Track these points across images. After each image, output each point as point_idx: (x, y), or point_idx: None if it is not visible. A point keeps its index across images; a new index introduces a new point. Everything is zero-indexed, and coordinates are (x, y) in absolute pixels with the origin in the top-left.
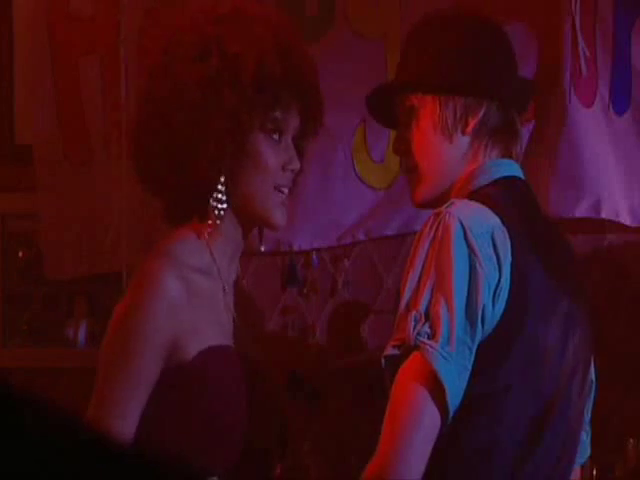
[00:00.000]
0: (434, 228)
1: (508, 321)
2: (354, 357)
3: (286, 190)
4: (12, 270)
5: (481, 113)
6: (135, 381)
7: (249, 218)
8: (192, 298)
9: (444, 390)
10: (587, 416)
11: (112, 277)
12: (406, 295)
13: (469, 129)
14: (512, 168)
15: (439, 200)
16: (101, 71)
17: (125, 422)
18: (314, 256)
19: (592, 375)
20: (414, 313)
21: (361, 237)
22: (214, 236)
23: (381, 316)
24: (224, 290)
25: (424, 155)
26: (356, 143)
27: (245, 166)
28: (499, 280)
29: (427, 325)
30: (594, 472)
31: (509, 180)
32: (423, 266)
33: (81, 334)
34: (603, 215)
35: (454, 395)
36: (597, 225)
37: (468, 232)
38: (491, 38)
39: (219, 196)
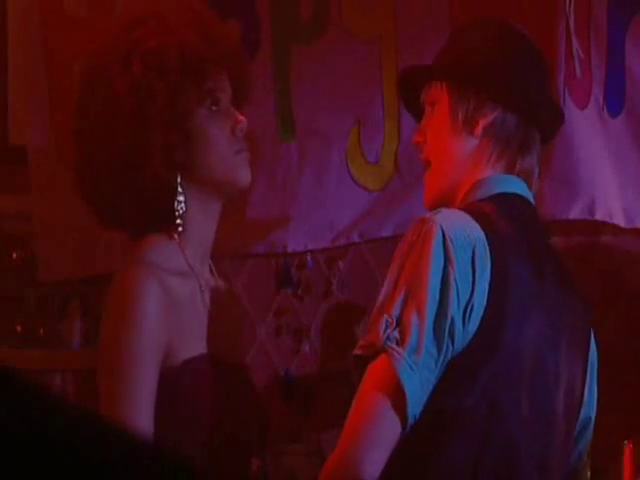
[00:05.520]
0: (416, 233)
1: (481, 341)
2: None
3: (245, 149)
4: (5, 271)
5: (492, 117)
6: (143, 395)
7: (216, 198)
8: (174, 302)
9: (405, 399)
10: (584, 449)
11: (106, 279)
12: (381, 298)
13: (478, 131)
14: (513, 185)
15: (445, 203)
16: None
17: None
18: (308, 257)
19: (590, 411)
20: (386, 317)
21: (355, 239)
22: (183, 234)
23: None
24: (201, 288)
25: (436, 151)
26: (350, 144)
27: (197, 149)
28: (470, 297)
29: (397, 331)
30: (588, 473)
31: (507, 196)
32: (400, 270)
33: (75, 336)
34: (597, 217)
35: (414, 405)
36: (591, 227)
37: (448, 242)
38: (526, 56)
39: (180, 198)
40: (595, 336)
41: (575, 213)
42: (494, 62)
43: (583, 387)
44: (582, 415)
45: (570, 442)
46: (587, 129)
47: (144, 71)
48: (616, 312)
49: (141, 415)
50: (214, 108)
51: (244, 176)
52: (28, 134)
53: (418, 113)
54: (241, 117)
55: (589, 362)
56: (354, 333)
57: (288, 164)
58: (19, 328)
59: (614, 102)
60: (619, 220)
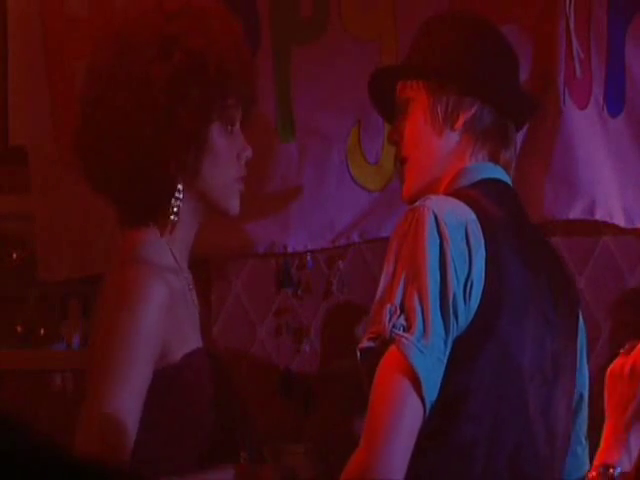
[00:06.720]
0: (408, 222)
1: (481, 319)
2: (349, 359)
3: (242, 180)
4: (5, 271)
5: (472, 111)
6: (134, 388)
7: (205, 210)
8: (173, 299)
9: (420, 383)
10: (582, 430)
11: None
12: (380, 290)
13: (459, 125)
14: (495, 171)
15: (425, 195)
16: None
17: (127, 435)
18: (308, 257)
19: (582, 389)
20: (389, 306)
21: (355, 239)
22: (171, 234)
23: None
24: (189, 286)
25: (414, 147)
26: (350, 145)
27: (205, 160)
28: (469, 274)
29: (402, 317)
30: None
31: (491, 182)
32: (397, 259)
33: (75, 336)
34: (597, 217)
35: (430, 388)
36: (591, 227)
37: (441, 223)
38: (498, 49)
39: (178, 195)
40: (584, 319)
41: (575, 213)
42: (471, 58)
43: (575, 366)
44: (575, 393)
45: (570, 418)
46: (587, 129)
47: (186, 66)
48: (616, 314)
49: (130, 407)
50: (229, 127)
51: (233, 208)
52: (28, 134)
53: (388, 113)
54: (247, 146)
55: (578, 341)
56: (354, 333)
57: (288, 164)
58: (19, 328)
59: (614, 102)
60: (619, 220)
